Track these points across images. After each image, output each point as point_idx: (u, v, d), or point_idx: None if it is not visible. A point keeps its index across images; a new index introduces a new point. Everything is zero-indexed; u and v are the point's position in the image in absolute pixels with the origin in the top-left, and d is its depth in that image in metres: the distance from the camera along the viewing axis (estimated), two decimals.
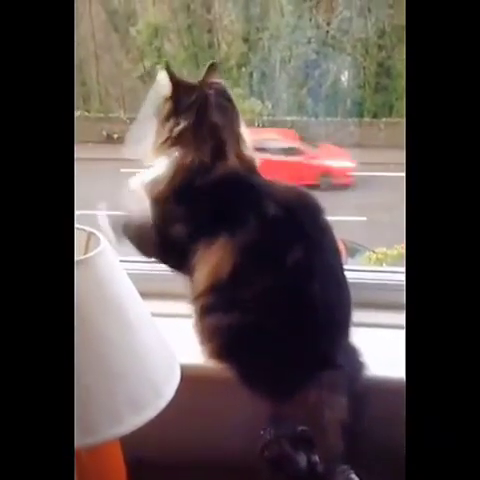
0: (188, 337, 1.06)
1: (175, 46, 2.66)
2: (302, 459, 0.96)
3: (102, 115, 2.70)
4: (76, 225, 0.86)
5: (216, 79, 1.09)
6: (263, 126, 2.57)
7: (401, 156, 0.68)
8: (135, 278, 0.90)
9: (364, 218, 2.58)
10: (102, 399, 0.78)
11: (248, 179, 1.04)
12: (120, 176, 1.10)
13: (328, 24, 2.49)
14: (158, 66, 2.44)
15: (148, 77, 2.51)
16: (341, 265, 1.05)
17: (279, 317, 0.98)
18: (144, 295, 0.90)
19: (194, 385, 0.92)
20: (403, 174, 0.64)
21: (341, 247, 1.10)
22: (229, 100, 1.08)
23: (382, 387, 1.03)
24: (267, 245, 0.99)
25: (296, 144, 2.63)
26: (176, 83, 1.07)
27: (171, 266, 1.10)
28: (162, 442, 1.03)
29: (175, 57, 2.63)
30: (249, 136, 1.09)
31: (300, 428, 0.99)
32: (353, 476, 0.94)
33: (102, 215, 1.09)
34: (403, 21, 2.35)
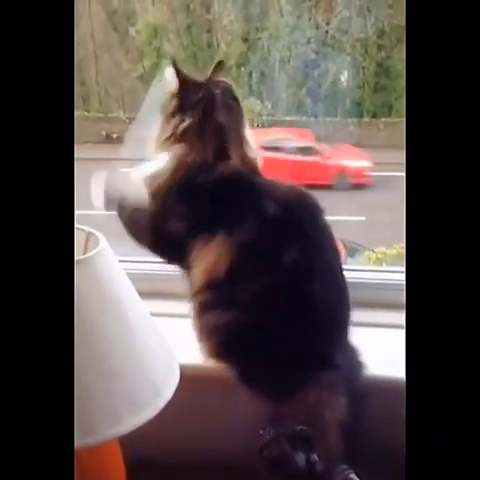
0: (187, 337, 1.06)
1: (174, 46, 2.66)
2: (301, 458, 0.96)
3: (101, 115, 2.70)
4: (75, 225, 0.87)
5: (223, 78, 1.09)
6: (262, 126, 2.56)
7: (401, 156, 0.68)
8: (134, 278, 0.90)
9: (363, 218, 2.58)
10: (101, 399, 0.78)
11: (249, 179, 1.04)
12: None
13: (327, 24, 2.48)
14: (158, 65, 2.44)
15: (148, 77, 2.50)
16: (340, 265, 1.06)
17: (278, 317, 0.98)
18: (143, 295, 0.90)
19: (193, 385, 0.92)
20: (403, 174, 0.64)
21: (340, 247, 1.10)
22: (235, 100, 1.08)
23: (382, 386, 1.03)
24: (265, 244, 0.99)
25: (312, 144, 2.62)
26: (183, 80, 1.06)
27: (165, 259, 1.09)
28: (161, 442, 1.03)
29: (174, 57, 2.63)
30: (253, 136, 1.09)
31: (299, 427, 0.99)
32: (352, 476, 0.94)
33: (97, 184, 1.09)
34: (402, 21, 2.35)
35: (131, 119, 1.20)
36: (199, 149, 1.03)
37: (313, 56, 2.56)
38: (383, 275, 1.35)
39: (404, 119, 0.64)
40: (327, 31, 2.49)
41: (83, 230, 0.90)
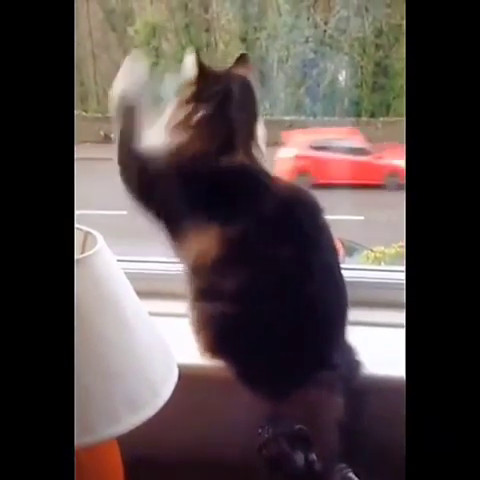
0: (186, 336, 1.06)
1: (173, 45, 2.66)
2: (300, 458, 0.96)
3: (100, 115, 2.70)
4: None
5: (244, 71, 1.08)
6: None
7: None
8: (132, 277, 0.90)
9: (362, 217, 2.58)
10: (100, 398, 0.78)
11: (250, 174, 1.03)
12: (118, 176, 1.10)
13: (325, 23, 2.49)
14: (157, 65, 2.44)
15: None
16: (338, 264, 1.06)
17: (277, 316, 0.98)
18: (141, 294, 0.90)
19: (192, 384, 0.92)
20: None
21: (339, 246, 1.10)
22: (252, 95, 1.07)
23: (381, 386, 1.03)
24: (259, 239, 0.99)
25: (363, 143, 2.62)
26: (203, 69, 1.05)
27: (154, 220, 1.07)
28: (160, 441, 1.03)
29: (173, 56, 2.63)
30: (264, 133, 1.09)
31: (298, 427, 0.99)
32: (351, 475, 0.94)
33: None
34: (400, 20, 2.36)
35: None
36: (206, 140, 1.02)
37: (311, 55, 2.57)
38: (381, 274, 1.35)
39: (403, 118, 0.64)
40: (325, 30, 2.50)
41: (81, 229, 0.90)
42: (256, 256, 0.99)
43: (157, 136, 1.06)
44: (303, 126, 2.63)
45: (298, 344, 0.99)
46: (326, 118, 2.72)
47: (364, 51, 2.58)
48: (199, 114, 1.03)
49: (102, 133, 2.52)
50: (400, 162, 2.66)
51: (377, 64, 2.61)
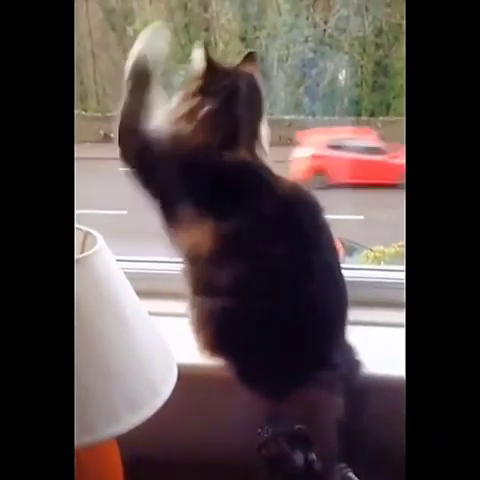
0: (185, 336, 1.06)
1: (172, 45, 2.66)
2: (299, 457, 0.96)
3: (99, 114, 2.70)
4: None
5: (251, 69, 1.08)
6: None
7: None
8: (132, 277, 0.90)
9: (361, 217, 2.58)
10: (99, 398, 0.78)
11: (251, 171, 1.03)
12: (118, 175, 1.10)
13: (325, 23, 2.48)
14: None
15: None
16: (338, 264, 1.05)
17: (276, 314, 0.98)
18: (141, 294, 0.90)
19: (191, 384, 0.92)
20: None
21: (338, 246, 1.10)
22: (259, 94, 1.07)
23: (381, 385, 1.03)
24: (257, 238, 0.98)
25: (378, 143, 2.62)
26: (211, 64, 1.05)
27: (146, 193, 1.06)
28: (159, 441, 1.03)
29: (172, 56, 2.63)
30: (268, 133, 1.09)
31: (297, 426, 0.99)
32: (350, 474, 0.94)
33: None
34: (400, 20, 2.35)
35: None
36: (210, 133, 1.02)
37: (311, 55, 2.56)
38: (381, 274, 1.35)
39: (403, 118, 0.63)
40: (325, 30, 2.49)
41: (80, 229, 0.90)
42: (251, 254, 0.99)
43: (159, 124, 1.06)
44: (303, 125, 2.63)
45: (298, 343, 0.98)
46: (326, 117, 2.72)
47: (364, 50, 2.58)
48: (205, 108, 1.03)
49: (102, 132, 2.52)
50: None
51: (377, 63, 2.61)
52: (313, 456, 0.97)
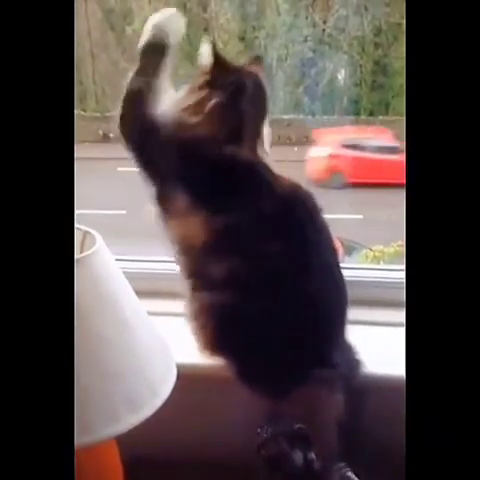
0: (184, 336, 1.06)
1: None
2: (299, 457, 0.96)
3: (98, 114, 2.70)
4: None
5: (257, 70, 1.09)
6: None
7: None
8: (131, 277, 0.90)
9: (360, 216, 2.58)
10: (99, 398, 0.78)
11: (252, 169, 1.03)
12: (117, 175, 1.10)
13: (324, 22, 2.48)
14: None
15: None
16: (338, 263, 1.06)
17: (276, 313, 0.98)
18: (140, 294, 0.90)
19: (190, 384, 0.92)
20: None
21: (338, 245, 1.10)
22: (264, 94, 1.09)
23: (381, 385, 1.03)
24: (253, 235, 0.99)
25: (394, 142, 2.61)
26: (219, 58, 1.06)
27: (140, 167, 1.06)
28: (159, 441, 1.03)
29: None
30: (269, 133, 1.09)
31: (297, 426, 0.99)
32: (350, 474, 0.94)
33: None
34: (399, 19, 2.35)
35: None
36: (215, 126, 1.02)
37: (310, 54, 2.56)
38: (380, 273, 1.35)
39: (402, 117, 0.63)
40: (324, 29, 2.49)
41: (80, 229, 0.90)
42: (245, 250, 0.99)
43: (165, 110, 1.06)
44: (302, 125, 2.63)
45: (298, 343, 0.99)
46: (325, 117, 2.72)
47: (363, 50, 2.58)
48: (213, 101, 1.03)
49: (101, 132, 2.52)
50: None
51: (376, 63, 2.61)
52: (313, 455, 0.97)
